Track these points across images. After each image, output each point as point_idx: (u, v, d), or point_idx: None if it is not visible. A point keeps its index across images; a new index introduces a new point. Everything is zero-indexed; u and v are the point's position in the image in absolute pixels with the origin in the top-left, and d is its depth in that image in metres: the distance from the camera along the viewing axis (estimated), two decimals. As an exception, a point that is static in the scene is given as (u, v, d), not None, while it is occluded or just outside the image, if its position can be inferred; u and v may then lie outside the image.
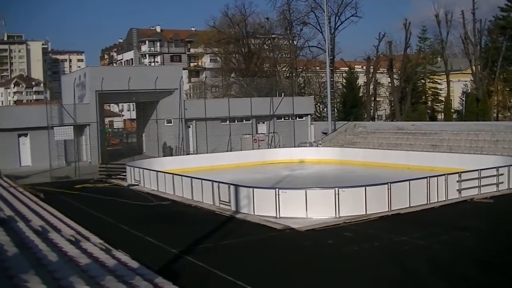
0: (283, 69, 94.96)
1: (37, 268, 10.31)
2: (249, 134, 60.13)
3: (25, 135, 49.84)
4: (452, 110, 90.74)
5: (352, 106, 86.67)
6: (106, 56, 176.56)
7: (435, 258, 18.92)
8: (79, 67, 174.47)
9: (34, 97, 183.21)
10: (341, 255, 19.94)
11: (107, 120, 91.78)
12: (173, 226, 26.11)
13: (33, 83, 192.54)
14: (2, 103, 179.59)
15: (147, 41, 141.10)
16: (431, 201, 28.68)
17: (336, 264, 18.80)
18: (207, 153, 53.38)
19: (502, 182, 32.38)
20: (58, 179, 43.93)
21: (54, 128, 46.83)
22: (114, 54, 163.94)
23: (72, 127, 47.06)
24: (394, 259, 18.93)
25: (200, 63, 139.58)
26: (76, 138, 48.62)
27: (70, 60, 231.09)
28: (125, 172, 43.12)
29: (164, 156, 52.30)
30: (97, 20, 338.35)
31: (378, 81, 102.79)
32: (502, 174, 32.48)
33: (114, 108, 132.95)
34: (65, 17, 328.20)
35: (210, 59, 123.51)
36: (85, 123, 51.28)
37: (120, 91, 52.38)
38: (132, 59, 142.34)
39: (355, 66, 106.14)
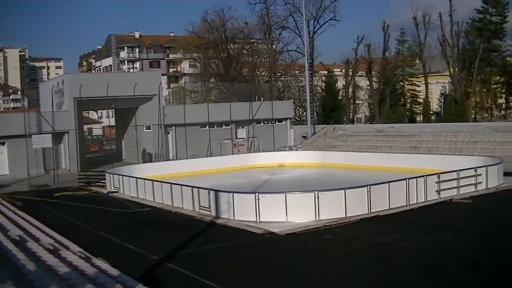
0: (262, 74, 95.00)
1: (16, 278, 10.24)
2: (228, 139, 60.17)
3: (2, 143, 49.59)
4: (431, 112, 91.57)
5: (331, 110, 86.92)
6: (84, 63, 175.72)
7: (418, 259, 18.97)
8: (57, 74, 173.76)
9: (12, 105, 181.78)
10: (323, 258, 19.91)
11: (86, 127, 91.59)
12: (153, 233, 26.00)
13: (11, 90, 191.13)
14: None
15: (126, 47, 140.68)
16: (410, 203, 28.74)
17: (319, 267, 18.77)
18: (187, 159, 53.24)
19: (481, 182, 32.58)
20: (36, 187, 43.63)
21: (32, 136, 46.50)
22: (93, 60, 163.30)
23: (50, 135, 46.69)
24: (377, 261, 18.97)
25: (179, 69, 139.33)
26: (54, 145, 48.28)
27: (48, 67, 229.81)
28: (104, 179, 42.87)
29: (143, 162, 52.16)
30: (75, 26, 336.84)
31: (357, 84, 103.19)
32: (480, 175, 32.68)
33: (93, 115, 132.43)
34: (43, 24, 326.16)
35: (189, 65, 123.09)
36: (63, 131, 51.12)
37: (99, 98, 52.28)
38: (111, 65, 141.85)
39: (334, 70, 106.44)
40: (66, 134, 51.68)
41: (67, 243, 20.81)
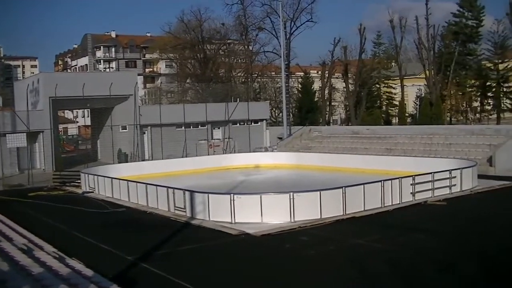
0: (238, 75, 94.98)
1: (-13, 278, 10.15)
2: (204, 140, 60.09)
3: (-23, 142, 49.08)
4: (407, 114, 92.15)
5: (307, 111, 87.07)
6: (60, 62, 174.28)
7: (393, 260, 19.01)
8: (33, 73, 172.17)
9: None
10: (299, 259, 19.91)
11: (61, 126, 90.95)
12: (128, 233, 25.87)
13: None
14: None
15: (102, 47, 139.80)
16: (385, 204, 28.83)
17: (294, 268, 18.76)
18: (163, 159, 53.10)
19: (455, 185, 32.74)
20: (11, 187, 43.32)
21: (7, 135, 46.21)
22: (69, 60, 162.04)
23: (25, 134, 46.41)
24: (352, 262, 18.99)
25: (155, 69, 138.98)
26: (29, 145, 48.00)
27: (24, 66, 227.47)
28: (79, 179, 42.61)
29: (119, 162, 51.92)
30: (51, 25, 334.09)
31: (334, 86, 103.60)
32: (454, 177, 32.85)
33: (69, 114, 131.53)
34: (18, 22, 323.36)
35: (166, 65, 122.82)
36: (38, 130, 50.72)
37: (75, 97, 51.94)
38: (87, 65, 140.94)
39: (311, 71, 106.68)
40: (41, 134, 51.30)
41: (41, 243, 20.67)
